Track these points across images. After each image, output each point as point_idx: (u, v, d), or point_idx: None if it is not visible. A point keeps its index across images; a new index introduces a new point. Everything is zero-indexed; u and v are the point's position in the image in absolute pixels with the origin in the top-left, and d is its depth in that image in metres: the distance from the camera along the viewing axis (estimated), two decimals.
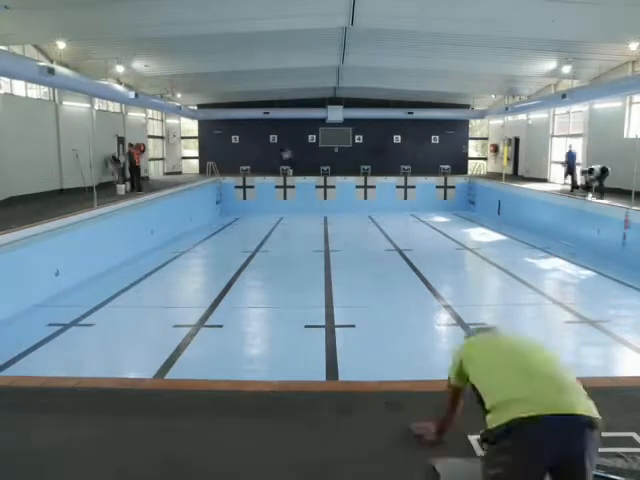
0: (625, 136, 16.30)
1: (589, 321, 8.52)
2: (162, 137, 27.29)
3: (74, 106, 17.67)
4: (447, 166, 26.27)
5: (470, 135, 28.73)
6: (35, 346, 7.43)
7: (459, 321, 8.52)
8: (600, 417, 2.18)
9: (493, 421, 2.22)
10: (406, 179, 25.23)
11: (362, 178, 25.23)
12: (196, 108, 27.02)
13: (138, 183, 17.38)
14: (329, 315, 8.86)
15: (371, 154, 26.59)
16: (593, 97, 17.14)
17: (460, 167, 27.24)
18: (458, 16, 12.29)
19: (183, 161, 28.88)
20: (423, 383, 3.87)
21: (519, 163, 24.82)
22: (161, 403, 3.45)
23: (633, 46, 13.61)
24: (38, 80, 13.20)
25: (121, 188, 16.16)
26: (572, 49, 15.50)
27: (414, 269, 12.52)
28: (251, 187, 24.79)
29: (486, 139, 29.18)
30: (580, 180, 17.07)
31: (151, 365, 6.77)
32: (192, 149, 29.00)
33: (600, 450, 2.77)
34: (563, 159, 18.49)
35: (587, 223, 14.34)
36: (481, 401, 2.38)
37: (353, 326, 8.36)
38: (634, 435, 2.96)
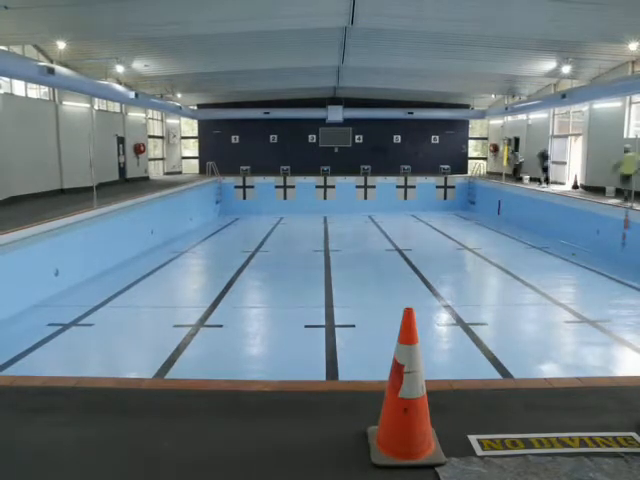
0: (625, 136, 16.29)
1: (589, 321, 8.54)
2: (162, 137, 27.29)
3: (74, 106, 17.67)
4: (447, 166, 26.31)
5: (470, 135, 28.75)
6: (35, 346, 7.45)
7: (459, 321, 8.53)
8: None
9: None
10: (406, 179, 25.24)
11: (362, 178, 25.25)
12: (196, 108, 27.03)
13: None
14: (329, 315, 8.87)
15: (371, 154, 26.60)
16: (593, 97, 17.13)
17: (460, 167, 27.27)
18: (457, 16, 12.29)
19: (183, 161, 28.90)
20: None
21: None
22: (161, 403, 3.44)
23: (633, 46, 13.60)
24: (38, 80, 13.21)
25: None
26: (572, 49, 15.50)
27: (414, 269, 12.53)
28: (251, 187, 24.81)
29: (486, 139, 29.18)
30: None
31: (151, 365, 6.79)
32: (192, 149, 29.01)
33: (600, 450, 2.80)
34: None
35: (587, 223, 14.34)
36: None
37: (353, 326, 8.37)
38: (634, 435, 2.96)
